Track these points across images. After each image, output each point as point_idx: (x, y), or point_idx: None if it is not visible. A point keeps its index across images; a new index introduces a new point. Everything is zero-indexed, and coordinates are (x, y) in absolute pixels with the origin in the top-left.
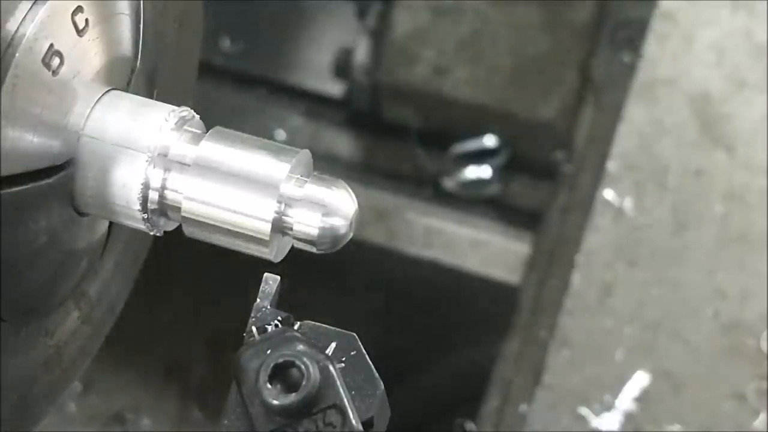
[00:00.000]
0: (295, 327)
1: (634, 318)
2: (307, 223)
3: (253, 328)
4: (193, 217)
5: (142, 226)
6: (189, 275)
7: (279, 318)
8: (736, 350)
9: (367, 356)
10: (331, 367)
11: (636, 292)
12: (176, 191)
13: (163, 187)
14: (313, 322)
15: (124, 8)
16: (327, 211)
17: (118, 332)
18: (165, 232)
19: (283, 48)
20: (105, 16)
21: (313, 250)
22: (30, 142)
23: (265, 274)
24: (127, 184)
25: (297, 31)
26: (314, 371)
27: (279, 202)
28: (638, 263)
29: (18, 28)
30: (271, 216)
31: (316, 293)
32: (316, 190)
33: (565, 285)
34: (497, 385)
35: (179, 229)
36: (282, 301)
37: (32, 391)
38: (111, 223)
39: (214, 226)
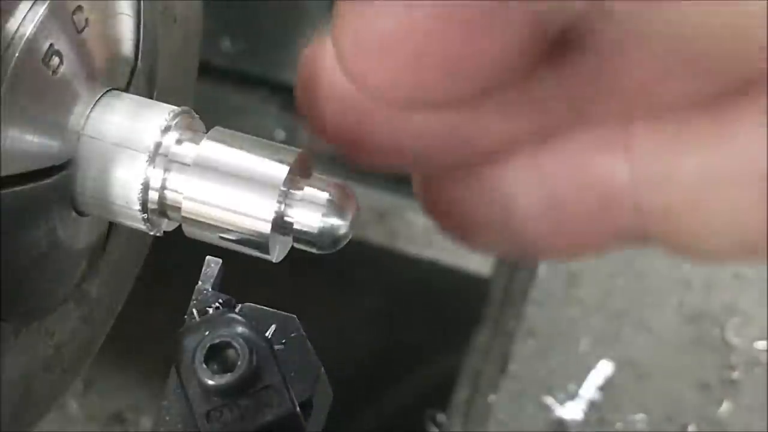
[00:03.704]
0: (236, 309)
1: (599, 308)
2: (307, 223)
3: (194, 311)
4: (193, 217)
5: (142, 226)
6: (189, 275)
7: (220, 300)
8: (700, 340)
9: (306, 338)
10: (268, 348)
11: (601, 282)
12: (176, 191)
13: (163, 187)
14: (254, 305)
15: (124, 8)
16: (327, 211)
17: (118, 332)
18: (165, 232)
19: (276, 46)
20: (105, 16)
21: (314, 250)
22: (30, 142)
23: (207, 257)
24: (127, 184)
25: (291, 29)
26: (250, 352)
27: (279, 202)
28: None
29: (18, 27)
30: (271, 216)
31: (316, 293)
32: (316, 189)
33: (533, 276)
34: (467, 377)
35: (179, 229)
36: (282, 300)
37: (32, 391)
38: (111, 223)
39: (214, 226)
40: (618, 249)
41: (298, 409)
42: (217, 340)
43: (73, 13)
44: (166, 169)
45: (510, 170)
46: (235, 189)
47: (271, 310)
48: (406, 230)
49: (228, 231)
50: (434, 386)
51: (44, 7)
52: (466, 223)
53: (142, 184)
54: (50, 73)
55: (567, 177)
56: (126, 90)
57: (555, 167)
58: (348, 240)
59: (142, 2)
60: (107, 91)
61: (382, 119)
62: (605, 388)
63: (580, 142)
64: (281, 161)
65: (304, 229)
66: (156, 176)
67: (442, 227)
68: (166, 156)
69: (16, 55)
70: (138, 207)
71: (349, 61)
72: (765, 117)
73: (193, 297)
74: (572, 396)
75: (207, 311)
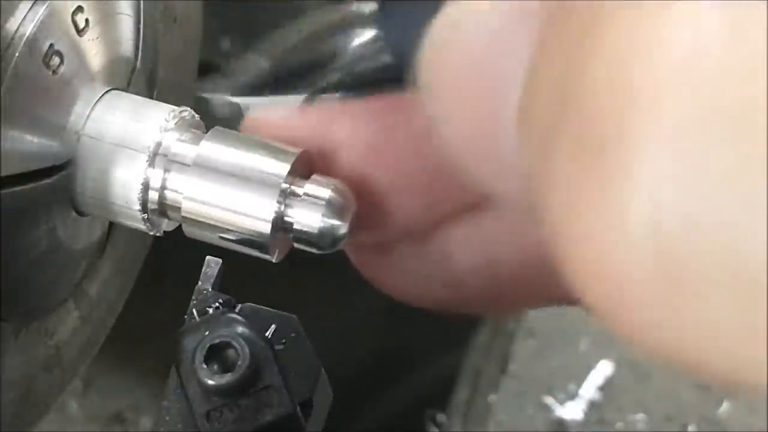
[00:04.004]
0: (236, 309)
1: None
2: (307, 223)
3: (194, 311)
4: (193, 217)
5: (142, 226)
6: (189, 275)
7: (220, 300)
8: None
9: (306, 338)
10: (268, 348)
11: None
12: (176, 191)
13: (163, 187)
14: (254, 305)
15: (124, 8)
16: (327, 211)
17: (118, 332)
18: (165, 232)
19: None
20: (105, 16)
21: (314, 250)
22: (30, 142)
23: (207, 257)
24: (127, 184)
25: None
26: (250, 352)
27: (279, 202)
28: None
29: (18, 27)
30: (271, 216)
31: (316, 293)
32: (316, 190)
33: None
34: (467, 377)
35: (179, 229)
36: (282, 300)
37: (32, 391)
38: (111, 223)
39: (214, 226)
40: (556, 306)
41: (298, 409)
42: (217, 340)
43: (73, 13)
44: (166, 169)
45: (453, 232)
46: (235, 189)
47: (271, 310)
48: None
49: (228, 231)
50: (434, 386)
51: (44, 7)
52: (408, 281)
53: (142, 184)
54: (50, 73)
55: (506, 241)
56: (126, 90)
57: (495, 231)
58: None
59: (142, 2)
60: (107, 91)
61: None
62: (605, 388)
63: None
64: (281, 161)
65: (304, 229)
66: (156, 176)
67: (381, 286)
68: (165, 156)
69: (16, 55)
70: (138, 207)
71: None
72: None
73: (193, 297)
74: (572, 396)
75: (207, 311)
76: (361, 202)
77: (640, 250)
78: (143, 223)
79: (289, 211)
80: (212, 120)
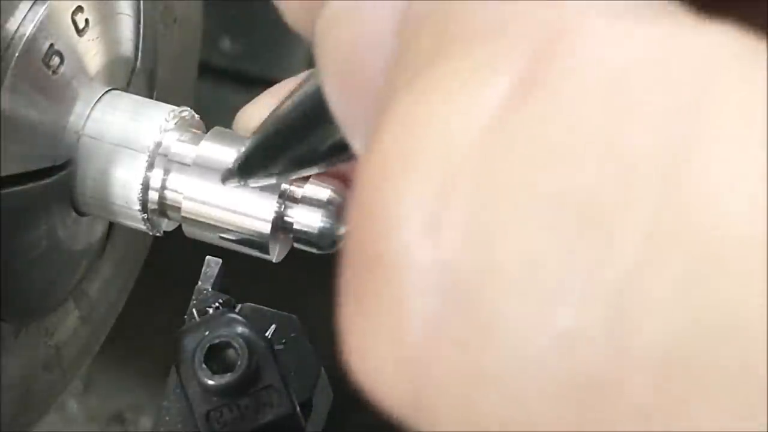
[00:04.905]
0: (236, 309)
1: None
2: (307, 223)
3: (194, 311)
4: (193, 217)
5: (142, 226)
6: (189, 275)
7: (220, 300)
8: None
9: (307, 338)
10: (268, 348)
11: None
12: (176, 191)
13: (163, 187)
14: (254, 305)
15: (124, 8)
16: (327, 211)
17: (118, 332)
18: (165, 232)
19: (276, 46)
20: (105, 16)
21: (314, 250)
22: (30, 142)
23: (207, 257)
24: (127, 184)
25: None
26: (250, 352)
27: (279, 202)
28: None
29: (18, 27)
30: (271, 216)
31: (316, 292)
32: (316, 190)
33: None
34: None
35: (179, 229)
36: (284, 300)
37: (32, 391)
38: (111, 223)
39: (214, 226)
40: None
41: (298, 409)
42: (216, 340)
43: (73, 13)
44: (166, 169)
45: None
46: (235, 189)
47: (271, 310)
48: None
49: (228, 231)
50: None
51: (44, 7)
52: None
53: (142, 184)
54: (50, 73)
55: None
56: (126, 90)
57: None
58: None
59: (142, 2)
60: (107, 91)
61: None
62: None
63: None
64: None
65: (304, 229)
66: (156, 176)
67: None
68: (165, 156)
69: (16, 55)
70: (138, 207)
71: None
72: None
73: (193, 297)
74: None
75: (207, 311)
76: None
77: (388, 373)
78: (143, 223)
79: (289, 212)
80: (212, 120)
